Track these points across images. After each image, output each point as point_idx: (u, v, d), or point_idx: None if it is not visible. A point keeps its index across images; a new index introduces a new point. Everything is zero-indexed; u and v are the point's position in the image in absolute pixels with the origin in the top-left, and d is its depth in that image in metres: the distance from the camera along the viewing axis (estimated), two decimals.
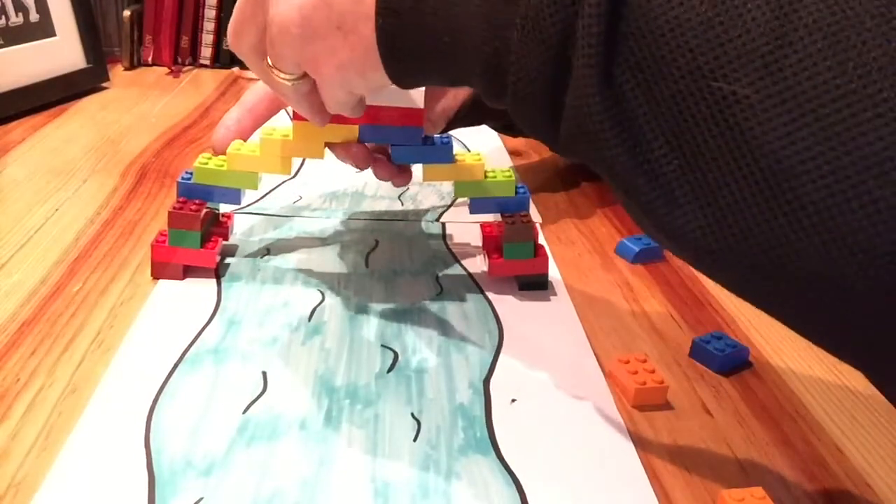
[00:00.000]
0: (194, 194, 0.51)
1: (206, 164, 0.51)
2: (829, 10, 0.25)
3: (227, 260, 0.54)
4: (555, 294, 0.53)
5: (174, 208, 0.50)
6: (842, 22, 0.25)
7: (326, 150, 0.50)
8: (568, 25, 0.27)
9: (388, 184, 0.55)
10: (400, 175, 0.53)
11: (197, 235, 0.51)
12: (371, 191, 0.69)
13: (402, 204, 0.67)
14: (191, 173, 0.52)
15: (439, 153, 0.50)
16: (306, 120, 0.46)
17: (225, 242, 0.55)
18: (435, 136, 0.51)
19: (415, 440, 0.38)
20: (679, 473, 0.37)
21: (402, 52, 0.32)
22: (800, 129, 0.25)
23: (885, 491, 0.37)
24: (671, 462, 0.38)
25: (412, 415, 0.40)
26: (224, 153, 0.51)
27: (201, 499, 0.34)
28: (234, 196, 0.52)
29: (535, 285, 0.53)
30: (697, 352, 0.47)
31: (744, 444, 0.40)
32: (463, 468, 0.36)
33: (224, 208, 0.56)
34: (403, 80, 0.35)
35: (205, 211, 0.52)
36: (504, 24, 0.29)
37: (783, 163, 0.25)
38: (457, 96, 0.55)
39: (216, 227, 0.55)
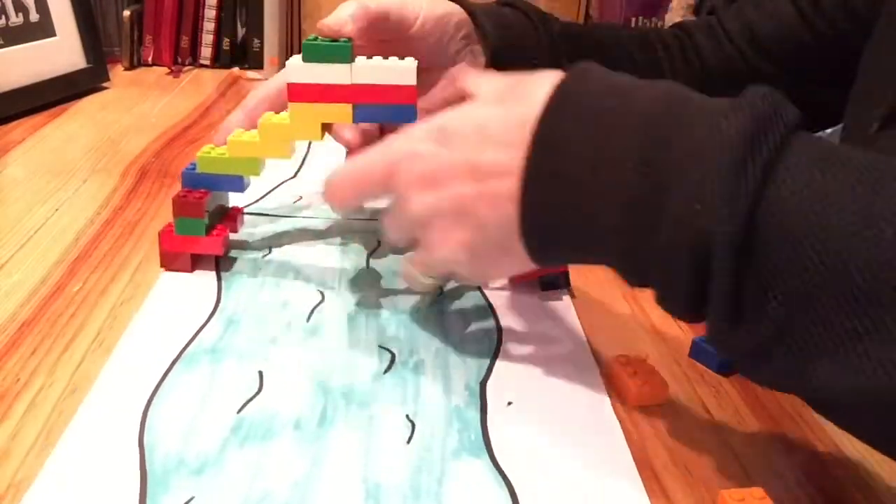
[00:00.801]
0: (198, 184, 0.52)
1: (209, 153, 0.52)
2: None
3: (229, 258, 0.54)
4: (556, 296, 0.53)
5: (178, 196, 0.51)
6: None
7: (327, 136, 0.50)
8: (703, 264, 0.29)
9: None
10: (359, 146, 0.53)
11: (202, 223, 0.51)
12: None
13: None
14: (195, 164, 0.52)
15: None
16: (302, 101, 0.47)
17: (233, 236, 0.55)
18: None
19: (408, 442, 0.38)
20: (679, 473, 0.37)
21: (548, 256, 0.38)
22: None
23: (885, 491, 0.37)
24: (671, 462, 0.38)
25: (407, 416, 0.40)
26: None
27: (192, 498, 0.34)
28: (237, 184, 0.52)
29: (556, 284, 0.53)
30: (697, 352, 0.47)
31: (744, 444, 0.40)
32: (455, 471, 0.36)
33: (233, 202, 0.57)
34: (545, 265, 0.40)
35: (215, 204, 0.53)
36: (643, 255, 0.32)
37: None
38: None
39: (225, 219, 0.55)
